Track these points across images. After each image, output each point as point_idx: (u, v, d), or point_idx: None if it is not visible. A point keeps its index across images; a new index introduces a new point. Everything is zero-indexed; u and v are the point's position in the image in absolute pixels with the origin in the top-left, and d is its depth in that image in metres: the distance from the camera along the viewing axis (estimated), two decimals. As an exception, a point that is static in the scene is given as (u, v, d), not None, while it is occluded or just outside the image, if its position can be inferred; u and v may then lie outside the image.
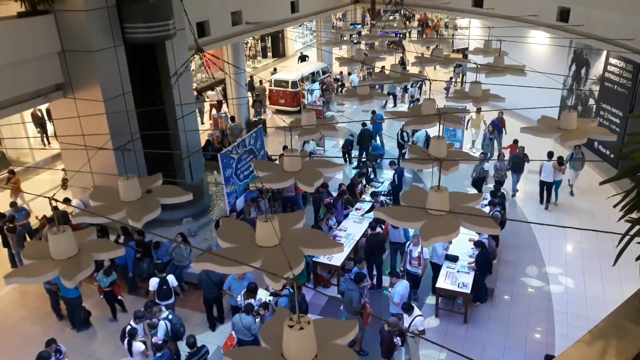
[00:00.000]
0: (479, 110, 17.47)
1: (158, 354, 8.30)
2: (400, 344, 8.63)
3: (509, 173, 15.05)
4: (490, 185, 14.43)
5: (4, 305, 11.62)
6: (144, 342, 8.70)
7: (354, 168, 17.22)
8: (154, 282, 9.92)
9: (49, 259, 4.59)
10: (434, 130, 7.63)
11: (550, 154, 14.31)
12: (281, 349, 3.70)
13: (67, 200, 13.14)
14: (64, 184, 15.57)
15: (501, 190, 13.42)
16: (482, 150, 17.38)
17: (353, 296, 9.32)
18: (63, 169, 16.01)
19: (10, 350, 10.14)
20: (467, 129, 18.20)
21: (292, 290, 9.41)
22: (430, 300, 10.98)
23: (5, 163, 17.87)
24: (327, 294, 11.33)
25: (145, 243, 11.25)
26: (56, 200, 4.62)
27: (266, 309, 8.97)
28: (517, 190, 15.42)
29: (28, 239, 12.37)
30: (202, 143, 16.64)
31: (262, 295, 9.46)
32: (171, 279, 10.01)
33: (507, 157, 15.39)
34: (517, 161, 14.73)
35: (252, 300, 9.09)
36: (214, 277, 9.98)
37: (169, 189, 6.14)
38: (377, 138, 18.33)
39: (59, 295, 10.53)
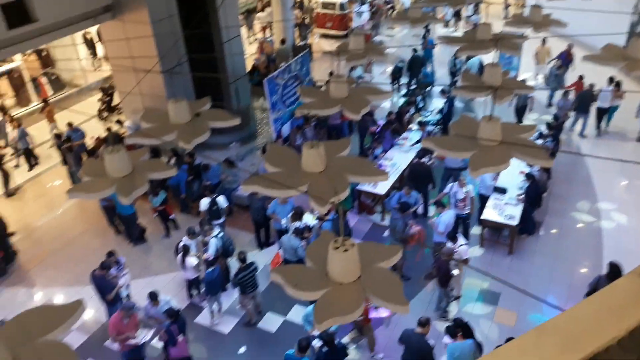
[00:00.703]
0: (544, 42, 16.41)
1: (209, 269, 8.77)
2: (456, 273, 8.73)
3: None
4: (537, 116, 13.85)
5: (67, 220, 12.42)
6: (197, 258, 9.18)
7: (402, 96, 16.82)
8: (204, 203, 10.29)
9: (105, 176, 4.80)
10: (488, 58, 7.28)
11: (610, 79, 13.58)
12: (326, 269, 3.82)
13: (119, 122, 13.56)
14: (101, 115, 16.00)
15: (557, 122, 12.83)
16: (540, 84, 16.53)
17: (397, 225, 9.42)
18: (100, 99, 16.39)
19: (74, 261, 10.94)
20: (537, 64, 17.11)
21: (336, 215, 9.60)
22: (476, 230, 10.96)
23: (60, 85, 18.46)
24: (370, 221, 11.50)
25: (195, 166, 11.58)
26: (109, 121, 4.74)
27: (310, 231, 9.22)
28: (579, 131, 14.56)
29: (84, 158, 12.96)
30: (248, 68, 16.55)
31: (308, 219, 9.69)
32: (221, 200, 10.36)
33: (572, 96, 14.38)
34: (585, 97, 13.82)
35: (298, 224, 9.34)
36: (255, 203, 10.34)
37: (217, 113, 6.19)
38: (428, 65, 17.70)
39: (116, 212, 11.11)
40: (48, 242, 11.68)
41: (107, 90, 16.54)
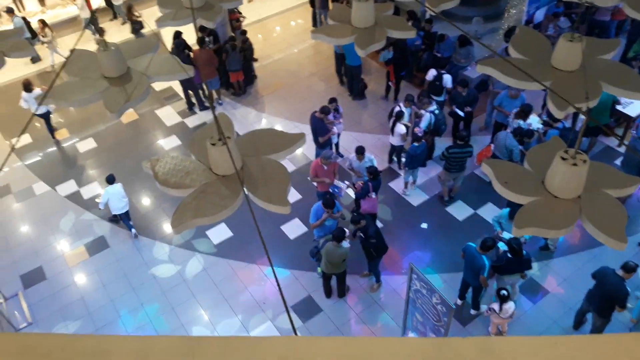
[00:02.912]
0: None
1: (415, 144, 8.77)
2: None
3: None
4: None
5: (301, 59, 13.37)
6: (407, 127, 9.25)
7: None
8: (432, 73, 10.00)
9: (349, 24, 4.87)
10: None
11: None
12: (544, 176, 3.51)
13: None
14: None
15: None
16: None
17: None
18: None
19: (299, 98, 11.96)
20: None
21: (567, 125, 8.62)
22: None
23: None
24: (603, 142, 10.12)
25: (431, 34, 11.13)
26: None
27: (531, 137, 8.47)
28: None
29: (330, 2, 13.37)
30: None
31: (534, 121, 8.85)
32: (447, 78, 9.95)
33: None
34: None
35: (520, 122, 8.63)
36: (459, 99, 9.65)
37: (473, -20, 5.69)
38: None
39: (344, 62, 11.50)
40: (282, 75, 12.83)
41: None
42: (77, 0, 14.15)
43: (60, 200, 10.05)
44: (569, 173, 3.30)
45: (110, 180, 8.71)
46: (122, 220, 9.12)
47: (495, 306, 6.78)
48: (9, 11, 13.48)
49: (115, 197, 8.70)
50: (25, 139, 11.41)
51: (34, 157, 11.09)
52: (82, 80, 4.25)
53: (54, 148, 11.27)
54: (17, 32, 5.49)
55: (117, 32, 14.63)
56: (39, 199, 10.13)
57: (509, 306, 6.74)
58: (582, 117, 8.56)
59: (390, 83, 11.39)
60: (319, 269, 7.98)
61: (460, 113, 9.64)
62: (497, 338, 1.21)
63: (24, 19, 13.61)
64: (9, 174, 10.58)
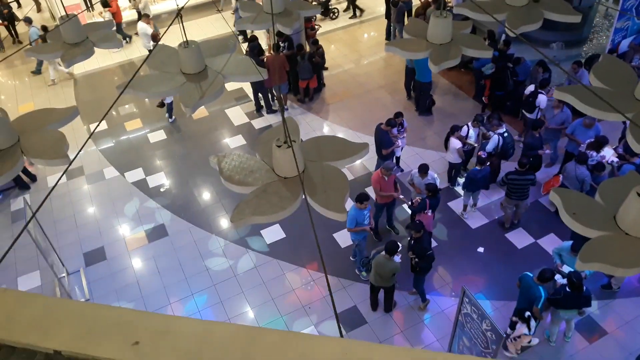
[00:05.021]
0: None
1: (477, 167, 8.57)
2: None
3: None
4: None
5: (371, 70, 13.39)
6: (472, 147, 9.03)
7: None
8: (529, 89, 9.77)
9: (424, 39, 4.85)
10: None
11: None
12: (616, 211, 3.35)
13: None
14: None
15: None
16: None
17: None
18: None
19: (365, 109, 11.97)
20: None
21: (643, 161, 8.16)
22: None
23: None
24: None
25: (506, 55, 10.85)
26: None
27: (601, 170, 8.06)
28: None
29: (406, 16, 13.33)
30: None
31: (608, 153, 8.44)
32: (542, 98, 9.59)
33: None
34: None
35: (593, 153, 8.25)
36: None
37: (558, 4, 5.52)
38: None
39: (414, 76, 11.42)
40: (350, 85, 12.90)
41: None
42: (105, 14, 14.42)
43: (127, 186, 10.54)
44: (645, 210, 3.14)
45: None
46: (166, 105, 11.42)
47: (524, 330, 6.56)
48: (27, 20, 13.37)
49: None
50: (102, 125, 12.07)
51: (107, 143, 11.70)
52: (162, 74, 4.47)
53: (127, 136, 11.85)
54: (107, 25, 5.85)
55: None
56: (108, 183, 10.66)
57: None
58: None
59: (483, 98, 11.17)
60: (364, 273, 8.28)
61: (547, 151, 9.35)
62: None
63: (44, 28, 13.13)
64: (84, 157, 11.21)
